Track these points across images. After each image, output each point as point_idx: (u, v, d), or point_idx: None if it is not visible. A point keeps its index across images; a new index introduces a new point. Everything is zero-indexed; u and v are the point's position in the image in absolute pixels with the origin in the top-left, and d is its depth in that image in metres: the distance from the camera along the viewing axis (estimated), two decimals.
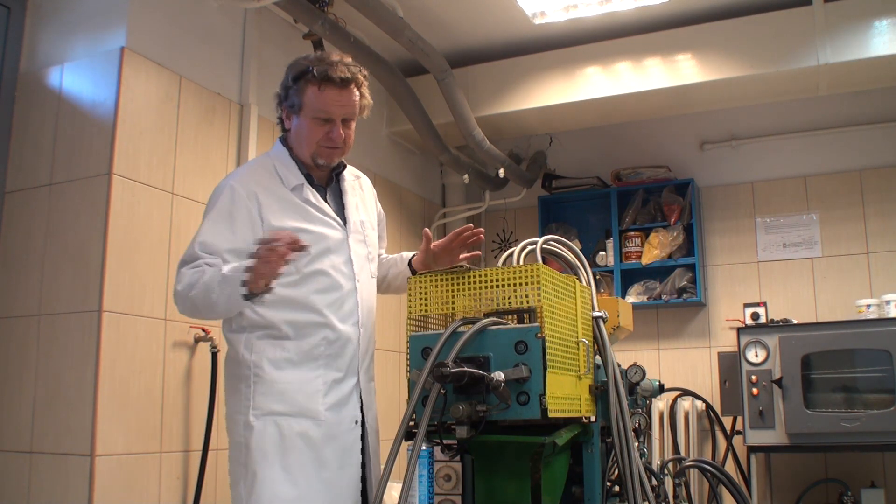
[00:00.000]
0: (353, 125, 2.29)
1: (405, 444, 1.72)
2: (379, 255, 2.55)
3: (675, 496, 2.79)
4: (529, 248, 2.29)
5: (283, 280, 2.11)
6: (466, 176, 4.59)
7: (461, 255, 2.41)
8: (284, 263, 1.98)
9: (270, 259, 1.95)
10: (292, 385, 2.15)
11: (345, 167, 2.40)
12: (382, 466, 1.75)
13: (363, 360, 2.29)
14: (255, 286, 2.00)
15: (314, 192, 2.28)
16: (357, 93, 2.24)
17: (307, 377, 2.17)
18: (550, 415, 1.74)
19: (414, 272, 2.45)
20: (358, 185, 2.46)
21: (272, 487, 2.09)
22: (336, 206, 2.34)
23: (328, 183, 2.36)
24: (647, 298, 4.57)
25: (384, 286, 2.56)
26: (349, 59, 2.25)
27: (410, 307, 2.00)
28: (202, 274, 2.08)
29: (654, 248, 4.53)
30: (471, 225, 2.45)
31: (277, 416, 2.13)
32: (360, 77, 2.25)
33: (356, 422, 2.24)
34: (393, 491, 3.01)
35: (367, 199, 2.49)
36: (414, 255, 2.50)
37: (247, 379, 2.16)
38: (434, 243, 2.41)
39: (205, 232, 2.16)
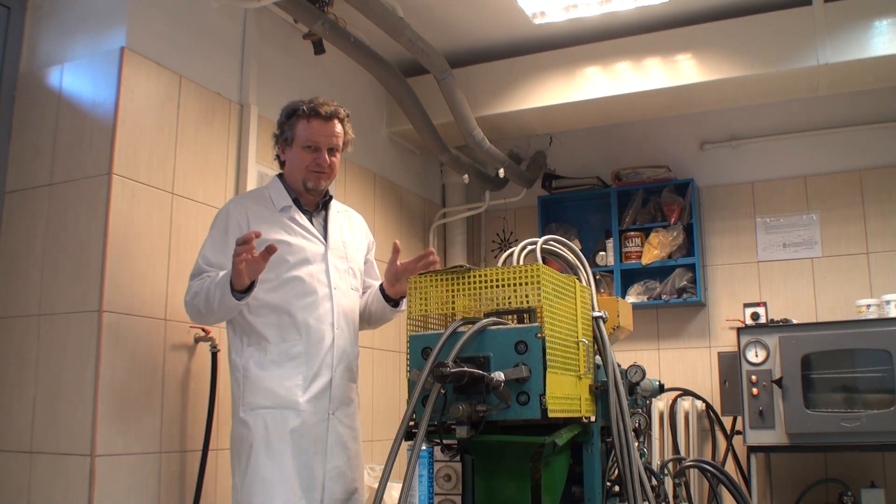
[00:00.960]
0: (338, 156, 2.63)
1: (405, 444, 1.72)
2: (370, 287, 2.80)
3: (675, 496, 2.79)
4: (529, 248, 2.29)
5: (264, 286, 2.46)
6: (466, 176, 4.58)
7: None
8: (248, 259, 2.25)
9: (237, 258, 2.27)
10: (274, 381, 2.46)
11: (331, 198, 2.72)
12: (380, 465, 1.76)
13: (339, 360, 2.55)
14: (238, 283, 2.31)
15: (300, 213, 2.62)
16: (340, 126, 2.61)
17: (288, 374, 2.47)
18: (550, 415, 1.74)
19: (384, 293, 2.70)
20: (347, 216, 2.79)
21: (261, 472, 2.40)
22: (321, 227, 2.67)
23: (316, 209, 2.69)
24: (647, 298, 4.57)
25: (367, 315, 2.76)
26: (334, 102, 2.63)
27: (410, 307, 2.00)
28: (203, 282, 2.44)
29: (654, 248, 4.53)
30: (433, 250, 2.62)
31: (263, 410, 2.45)
32: (342, 113, 2.63)
33: (328, 414, 2.51)
34: (393, 491, 3.01)
35: (356, 228, 2.80)
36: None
37: (238, 381, 2.51)
38: (402, 262, 2.64)
39: (206, 248, 2.54)
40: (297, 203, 2.63)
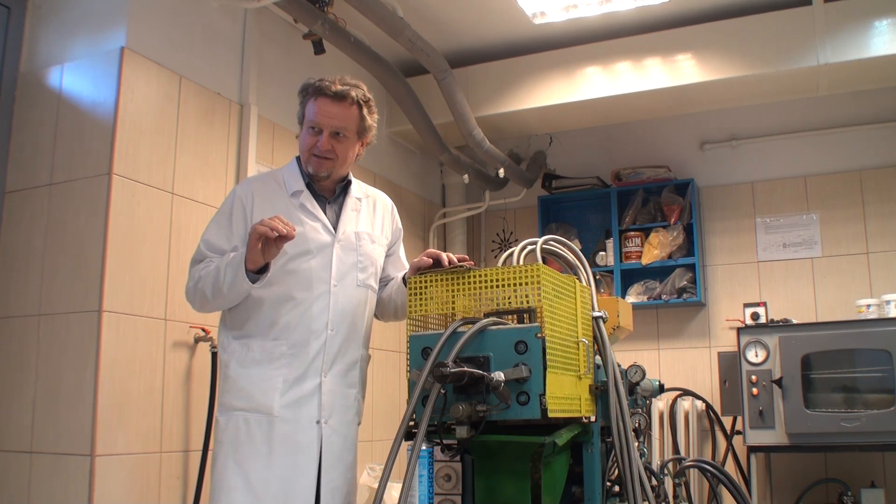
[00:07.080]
0: (348, 141, 2.35)
1: (405, 444, 1.72)
2: (393, 279, 2.57)
3: (675, 496, 2.79)
4: (529, 248, 2.29)
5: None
6: (466, 176, 4.59)
7: None
8: (269, 238, 2.09)
9: (257, 231, 2.09)
10: (251, 382, 2.25)
11: (350, 182, 2.46)
12: (380, 465, 1.76)
13: (332, 362, 2.32)
14: (252, 262, 2.14)
15: (311, 199, 2.39)
16: (354, 109, 2.32)
17: (268, 375, 2.26)
18: (550, 415, 1.74)
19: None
20: (369, 203, 2.52)
21: (224, 478, 2.21)
22: (334, 216, 2.42)
23: (332, 195, 2.44)
24: (647, 298, 4.57)
25: (392, 308, 2.54)
26: (355, 81, 2.35)
27: (410, 307, 2.00)
28: (209, 266, 2.27)
29: (654, 248, 4.53)
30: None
31: (237, 412, 2.25)
32: (357, 95, 2.32)
33: (316, 422, 2.27)
34: (393, 491, 3.01)
35: (379, 215, 2.53)
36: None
37: (219, 377, 2.35)
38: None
39: (209, 231, 2.36)
40: (311, 188, 2.40)
